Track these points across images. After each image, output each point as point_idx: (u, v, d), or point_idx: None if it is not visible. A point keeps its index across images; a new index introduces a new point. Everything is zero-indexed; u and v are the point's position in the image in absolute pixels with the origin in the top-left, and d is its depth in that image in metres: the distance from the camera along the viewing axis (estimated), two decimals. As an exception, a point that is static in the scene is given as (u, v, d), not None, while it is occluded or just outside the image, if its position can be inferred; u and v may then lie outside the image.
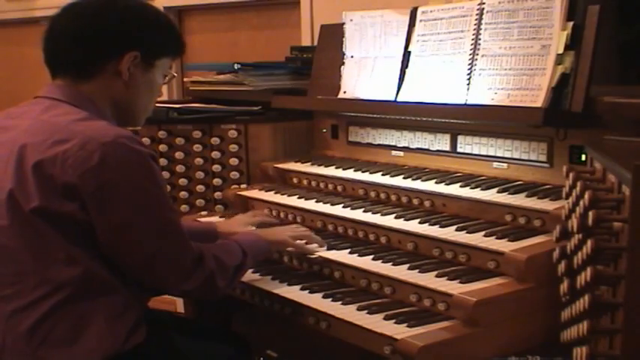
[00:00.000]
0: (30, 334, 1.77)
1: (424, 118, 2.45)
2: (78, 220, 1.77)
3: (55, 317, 1.78)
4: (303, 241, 2.25)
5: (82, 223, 1.78)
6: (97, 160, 1.75)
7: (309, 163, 2.76)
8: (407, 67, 2.51)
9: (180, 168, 2.90)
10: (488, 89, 2.26)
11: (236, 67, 2.93)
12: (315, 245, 2.25)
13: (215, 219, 2.67)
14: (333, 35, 2.80)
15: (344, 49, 2.74)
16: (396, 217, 2.23)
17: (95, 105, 1.92)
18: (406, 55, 2.53)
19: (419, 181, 2.35)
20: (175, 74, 2.14)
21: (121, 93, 1.96)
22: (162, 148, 2.90)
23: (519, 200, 2.08)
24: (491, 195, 2.15)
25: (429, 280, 1.94)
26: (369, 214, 2.30)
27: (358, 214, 2.32)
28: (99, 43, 1.92)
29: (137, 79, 1.96)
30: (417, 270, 2.00)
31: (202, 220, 2.68)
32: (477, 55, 2.31)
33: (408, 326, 1.82)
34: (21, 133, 1.84)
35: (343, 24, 2.75)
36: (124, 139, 1.79)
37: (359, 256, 2.15)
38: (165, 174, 2.86)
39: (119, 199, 1.79)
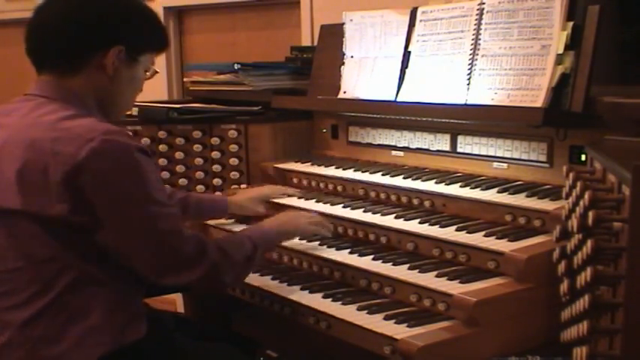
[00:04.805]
0: (25, 331, 1.78)
1: (424, 118, 2.45)
2: (68, 220, 1.77)
3: (49, 314, 1.78)
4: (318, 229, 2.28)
5: (72, 224, 1.77)
6: (85, 155, 1.74)
7: (309, 163, 2.76)
8: (407, 67, 2.51)
9: (180, 168, 2.90)
10: (488, 89, 2.25)
11: (236, 67, 2.93)
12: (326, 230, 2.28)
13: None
14: (333, 35, 2.80)
15: (344, 49, 2.74)
16: (396, 217, 2.23)
17: (82, 101, 1.92)
18: (406, 55, 2.53)
19: (419, 181, 2.35)
20: (158, 70, 2.12)
21: (105, 88, 1.95)
22: (163, 148, 2.89)
23: (519, 200, 2.08)
24: (491, 195, 2.15)
25: (429, 280, 1.94)
26: (369, 214, 2.30)
27: (358, 214, 2.32)
28: (85, 36, 1.91)
29: (121, 73, 1.95)
30: (417, 270, 2.00)
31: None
32: (477, 55, 2.31)
33: (408, 326, 1.82)
34: (9, 132, 1.85)
35: (343, 24, 2.75)
36: (111, 134, 1.78)
37: (359, 256, 2.16)
38: (165, 174, 2.87)
39: (107, 194, 1.77)
